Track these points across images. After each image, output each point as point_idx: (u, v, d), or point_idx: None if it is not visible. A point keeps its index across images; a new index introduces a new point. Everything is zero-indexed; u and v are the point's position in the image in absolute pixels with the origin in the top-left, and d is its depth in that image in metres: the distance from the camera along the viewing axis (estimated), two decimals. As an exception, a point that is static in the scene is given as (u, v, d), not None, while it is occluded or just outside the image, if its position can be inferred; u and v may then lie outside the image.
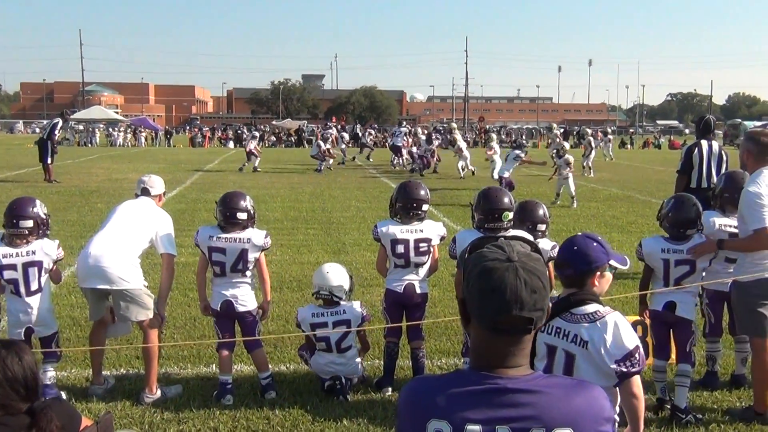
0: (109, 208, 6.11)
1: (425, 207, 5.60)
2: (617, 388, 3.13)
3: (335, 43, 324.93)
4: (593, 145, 27.24)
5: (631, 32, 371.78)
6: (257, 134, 34.20)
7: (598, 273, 3.30)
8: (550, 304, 1.87)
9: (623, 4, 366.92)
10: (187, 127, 71.53)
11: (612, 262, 3.35)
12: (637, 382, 3.13)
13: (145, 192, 5.71)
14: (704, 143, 8.85)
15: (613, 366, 3.05)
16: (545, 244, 5.27)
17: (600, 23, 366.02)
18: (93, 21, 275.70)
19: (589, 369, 3.08)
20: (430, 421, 1.75)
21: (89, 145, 50.46)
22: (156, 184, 5.81)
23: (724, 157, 8.83)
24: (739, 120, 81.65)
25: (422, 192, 5.61)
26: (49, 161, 20.94)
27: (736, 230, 5.43)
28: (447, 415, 1.74)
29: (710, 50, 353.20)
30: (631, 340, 3.09)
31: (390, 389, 5.50)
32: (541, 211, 5.42)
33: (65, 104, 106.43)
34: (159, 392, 5.37)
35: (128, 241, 5.34)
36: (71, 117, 31.83)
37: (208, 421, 5.02)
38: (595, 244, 3.34)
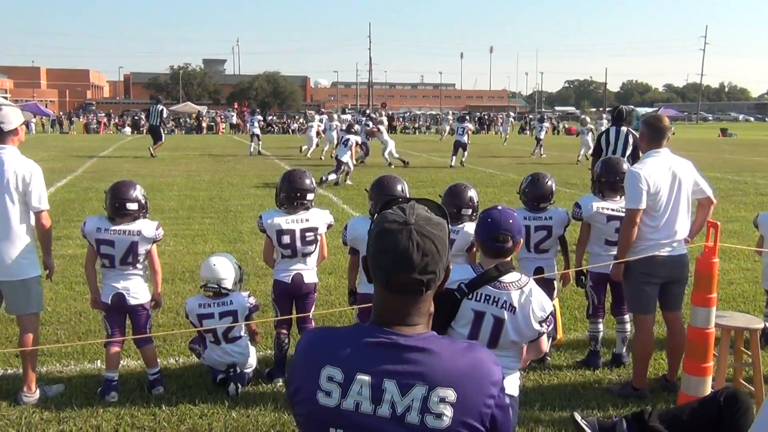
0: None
1: (310, 196, 5.53)
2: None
3: (237, 27, 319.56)
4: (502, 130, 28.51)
5: (529, 20, 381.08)
6: (259, 118, 33.21)
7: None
8: (451, 266, 1.94)
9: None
10: (82, 113, 68.67)
11: None
12: (545, 339, 3.47)
13: None
14: (613, 129, 9.78)
15: (537, 327, 3.34)
16: (470, 228, 5.34)
17: (500, 11, 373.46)
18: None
19: (513, 331, 3.35)
20: (324, 367, 1.80)
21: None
22: (8, 117, 5.08)
23: (630, 140, 9.58)
24: (632, 106, 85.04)
25: (307, 181, 5.54)
26: (163, 140, 28.11)
27: (613, 212, 5.69)
28: (341, 363, 1.79)
29: (604, 39, 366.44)
30: (549, 304, 3.42)
31: (281, 380, 5.44)
32: (468, 195, 5.39)
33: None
34: (38, 391, 5.15)
35: (18, 223, 5.01)
36: None
37: (90, 419, 4.84)
38: (515, 213, 3.64)
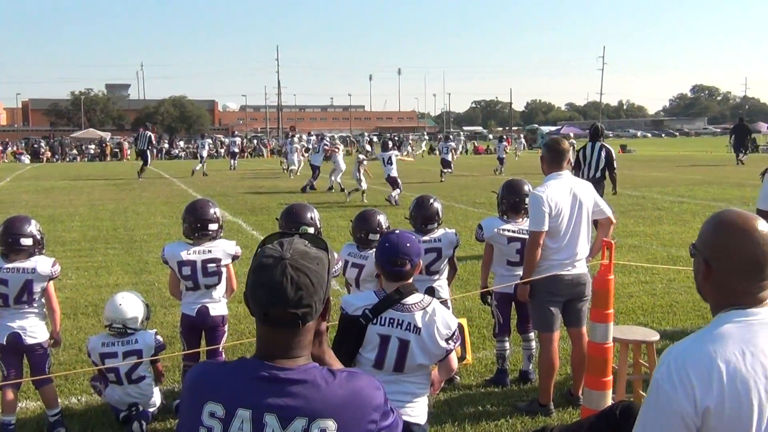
0: None
1: (213, 226, 5.40)
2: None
3: (141, 51, 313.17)
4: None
5: (436, 43, 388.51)
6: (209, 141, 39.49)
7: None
8: (332, 299, 1.96)
9: (428, 14, 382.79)
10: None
11: None
12: (453, 357, 3.58)
13: None
14: (589, 145, 11.05)
15: (443, 344, 3.42)
16: None
17: (407, 34, 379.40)
18: None
19: (420, 352, 3.41)
20: (207, 403, 1.82)
21: None
22: None
23: (603, 154, 11.05)
24: (537, 125, 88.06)
25: (210, 211, 5.43)
26: (149, 164, 30.18)
27: (514, 234, 5.83)
28: (222, 398, 1.81)
29: (509, 61, 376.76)
30: (454, 321, 3.54)
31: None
32: (376, 220, 5.46)
33: None
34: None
35: None
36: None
37: (-15, 467, 4.62)
38: (413, 237, 3.67)
